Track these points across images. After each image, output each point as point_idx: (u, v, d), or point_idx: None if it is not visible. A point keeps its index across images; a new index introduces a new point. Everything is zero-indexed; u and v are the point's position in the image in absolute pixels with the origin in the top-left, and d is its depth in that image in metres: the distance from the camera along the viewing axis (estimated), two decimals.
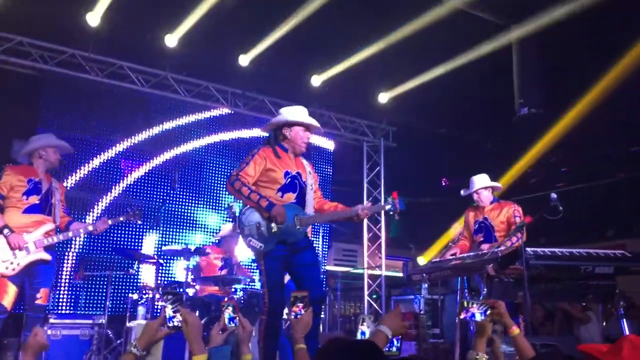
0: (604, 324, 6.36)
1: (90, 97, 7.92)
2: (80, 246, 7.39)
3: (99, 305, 7.12)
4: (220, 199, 8.68)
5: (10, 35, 7.27)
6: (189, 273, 6.47)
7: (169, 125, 8.49)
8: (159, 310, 4.30)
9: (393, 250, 10.49)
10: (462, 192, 5.76)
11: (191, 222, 8.37)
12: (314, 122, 4.39)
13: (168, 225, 8.11)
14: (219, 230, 7.43)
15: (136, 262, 6.60)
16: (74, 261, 7.30)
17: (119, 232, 7.65)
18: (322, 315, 8.45)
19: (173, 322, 2.39)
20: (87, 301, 7.19)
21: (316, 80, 9.00)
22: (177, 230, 8.22)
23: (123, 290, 7.36)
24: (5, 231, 4.49)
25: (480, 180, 5.60)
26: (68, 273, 7.23)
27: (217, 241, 7.18)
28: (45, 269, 4.67)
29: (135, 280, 7.46)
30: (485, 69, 8.18)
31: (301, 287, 4.08)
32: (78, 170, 7.62)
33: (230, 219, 5.69)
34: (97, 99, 7.97)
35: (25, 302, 4.73)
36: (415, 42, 7.74)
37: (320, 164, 9.23)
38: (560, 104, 8.36)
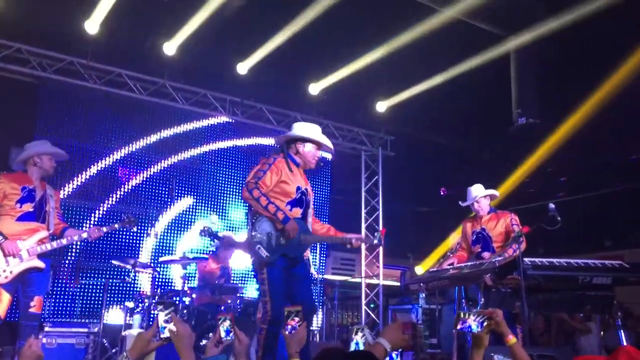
0: (602, 334, 6.32)
1: (89, 105, 7.92)
2: (77, 254, 7.36)
3: (94, 314, 7.09)
4: (218, 206, 8.67)
5: (9, 43, 7.28)
6: (186, 281, 6.44)
7: (166, 133, 8.49)
8: (153, 320, 4.28)
9: (391, 260, 10.47)
10: (461, 203, 5.75)
11: (188, 229, 8.35)
12: (327, 142, 4.47)
13: (165, 233, 8.09)
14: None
15: (132, 270, 6.56)
16: (70, 269, 7.27)
17: (116, 239, 7.62)
18: (318, 326, 8.44)
19: (165, 333, 2.36)
20: (83, 309, 7.15)
21: (314, 89, 9.00)
22: (174, 237, 8.20)
23: (119, 299, 7.33)
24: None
25: (478, 190, 5.62)
26: (64, 281, 7.19)
27: (213, 251, 7.16)
28: (39, 277, 4.63)
29: (132, 289, 7.42)
30: (483, 78, 8.19)
31: (294, 299, 4.12)
32: (75, 178, 7.61)
33: (206, 235, 5.70)
34: (95, 106, 7.97)
35: (20, 310, 4.69)
36: (413, 52, 7.76)
37: (318, 172, 9.21)
38: (558, 114, 8.36)
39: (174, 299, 6.47)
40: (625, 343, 4.39)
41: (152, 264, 7.20)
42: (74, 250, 7.29)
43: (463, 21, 7.47)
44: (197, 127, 8.78)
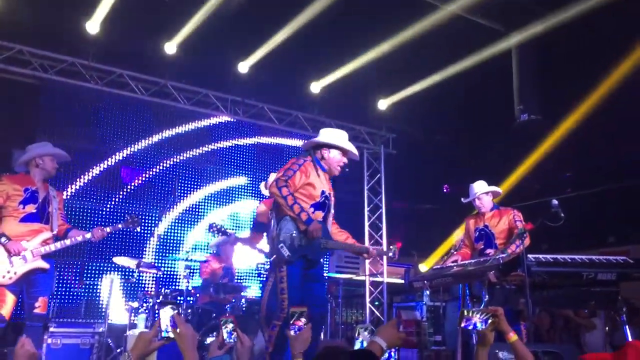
0: (607, 330, 6.31)
1: (90, 106, 7.94)
2: (81, 254, 7.37)
3: (99, 314, 7.10)
4: (222, 205, 8.69)
5: (10, 44, 7.28)
6: (190, 281, 6.45)
7: (168, 133, 8.50)
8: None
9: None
10: (463, 199, 5.74)
11: (191, 229, 8.36)
12: (353, 149, 4.59)
13: (168, 233, 8.11)
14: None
15: (137, 270, 6.56)
16: (74, 269, 7.28)
17: (119, 239, 7.63)
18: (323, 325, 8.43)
19: (167, 332, 2.36)
20: (88, 309, 7.16)
21: (316, 88, 8.99)
22: (178, 237, 8.21)
23: (124, 299, 7.34)
24: (3, 239, 4.47)
25: (480, 186, 5.61)
26: (68, 281, 7.21)
27: (214, 251, 7.16)
28: (43, 278, 4.65)
29: (136, 288, 7.43)
30: (484, 75, 8.17)
31: (305, 301, 4.17)
32: (78, 179, 7.62)
33: (215, 232, 5.73)
34: (97, 107, 7.98)
35: (24, 311, 4.70)
36: (414, 49, 7.74)
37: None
38: (560, 110, 8.34)
39: (178, 298, 6.48)
40: (630, 338, 4.38)
41: (156, 264, 7.20)
42: (78, 250, 7.30)
43: (464, 17, 7.45)
44: (199, 126, 8.79)
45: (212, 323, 5.89)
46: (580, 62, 7.86)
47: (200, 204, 8.56)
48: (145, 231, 7.82)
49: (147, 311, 6.10)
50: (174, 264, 7.80)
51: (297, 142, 9.56)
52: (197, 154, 8.71)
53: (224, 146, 9.01)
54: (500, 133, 9.15)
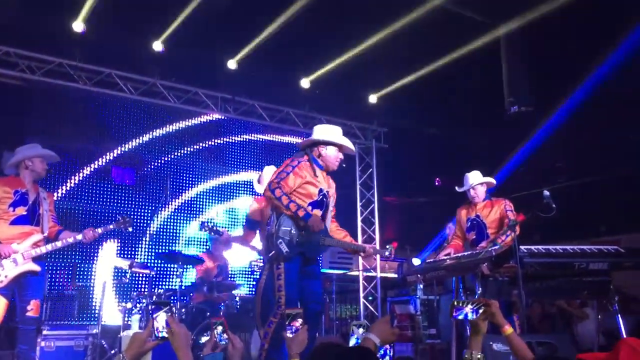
0: (600, 318, 6.35)
1: (79, 106, 7.89)
2: (72, 256, 7.34)
3: (92, 315, 7.08)
4: (213, 203, 8.67)
5: None
6: (183, 280, 6.44)
7: (159, 132, 8.47)
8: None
9: None
10: (457, 188, 5.76)
11: (183, 228, 8.34)
12: (349, 143, 4.61)
13: (160, 233, 8.08)
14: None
15: (129, 270, 6.54)
16: (66, 271, 7.25)
17: (111, 240, 7.60)
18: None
19: (161, 332, 2.36)
20: (81, 311, 7.13)
21: (305, 83, 8.97)
22: (170, 237, 8.19)
23: (117, 299, 7.31)
24: None
25: (475, 177, 5.64)
26: (61, 283, 7.17)
27: (207, 249, 7.15)
28: (35, 281, 4.62)
29: (129, 289, 7.40)
30: (474, 67, 8.18)
31: (302, 298, 4.25)
32: (69, 180, 7.58)
33: (207, 230, 5.74)
34: (86, 107, 7.94)
35: (17, 314, 4.67)
36: (403, 42, 7.74)
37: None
38: (551, 101, 8.36)
39: (172, 298, 6.47)
40: (622, 328, 4.41)
41: (149, 264, 7.18)
42: (69, 252, 7.27)
43: (452, 9, 7.44)
44: (189, 125, 8.77)
45: (206, 322, 5.88)
46: (569, 51, 7.88)
47: (193, 202, 8.54)
48: (138, 231, 7.79)
49: (140, 312, 6.08)
50: (168, 264, 7.76)
51: (289, 139, 9.55)
52: (189, 153, 8.69)
53: (216, 144, 9.00)
54: (491, 125, 9.17)
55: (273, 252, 4.18)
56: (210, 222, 5.76)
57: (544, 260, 4.42)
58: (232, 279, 7.49)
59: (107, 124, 8.08)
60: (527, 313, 5.44)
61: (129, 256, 7.57)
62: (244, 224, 5.77)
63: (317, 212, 4.32)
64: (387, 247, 4.80)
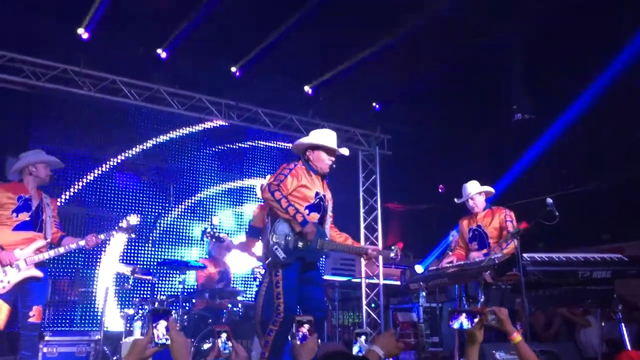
0: (603, 327, 6.32)
1: (83, 112, 7.91)
2: (75, 262, 7.35)
3: (94, 321, 7.07)
4: (215, 210, 8.67)
5: (1, 52, 7.25)
6: (185, 286, 6.43)
7: (162, 138, 8.49)
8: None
9: None
10: (456, 200, 5.74)
11: (186, 234, 8.35)
12: (333, 144, 4.49)
13: (163, 239, 8.09)
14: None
15: (132, 276, 6.54)
16: (68, 277, 7.26)
17: (114, 246, 7.61)
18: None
19: (161, 339, 2.35)
20: (83, 317, 7.13)
21: (309, 90, 8.99)
22: (172, 243, 8.19)
23: (119, 306, 7.31)
24: None
25: (473, 186, 5.62)
26: (63, 289, 7.18)
27: (208, 255, 7.15)
28: (37, 286, 4.62)
29: (132, 295, 7.40)
30: (478, 74, 8.19)
31: (305, 304, 4.20)
32: (72, 186, 7.60)
33: (209, 237, 5.74)
34: (90, 113, 7.95)
35: (19, 320, 4.67)
36: (406, 49, 7.75)
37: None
38: (554, 108, 8.36)
39: (174, 304, 6.47)
40: (626, 336, 4.39)
41: (151, 270, 7.17)
42: (72, 258, 7.27)
43: (456, 17, 7.45)
44: (192, 131, 8.78)
45: (208, 329, 5.87)
46: (572, 58, 7.88)
47: (196, 208, 8.54)
48: (141, 237, 7.79)
49: (143, 318, 6.07)
50: (170, 271, 7.76)
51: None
52: (192, 159, 8.70)
53: (219, 150, 9.01)
54: (495, 132, 9.17)
55: (270, 258, 4.12)
56: (212, 229, 5.76)
57: (547, 268, 4.40)
58: (234, 286, 7.48)
59: (111, 130, 8.10)
60: (530, 321, 5.42)
61: (132, 262, 7.57)
62: (247, 231, 5.77)
63: (315, 216, 4.29)
64: (393, 247, 4.65)
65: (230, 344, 2.63)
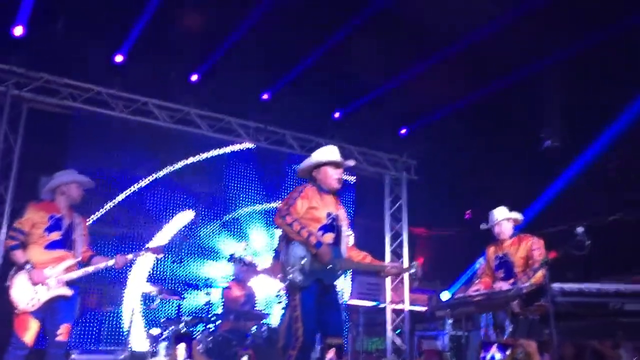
0: None
1: (116, 133, 8.09)
2: (103, 281, 7.44)
3: (121, 340, 7.12)
4: (244, 232, 8.72)
5: (39, 74, 7.47)
6: (211, 308, 6.46)
7: (192, 159, 8.60)
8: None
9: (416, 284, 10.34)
10: (482, 226, 5.64)
11: (213, 256, 8.40)
12: (335, 156, 4.38)
13: (190, 260, 8.16)
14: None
15: (158, 296, 6.60)
16: (96, 296, 7.35)
17: (142, 266, 7.70)
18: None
19: None
20: (109, 336, 7.20)
21: (337, 114, 9.05)
22: (200, 264, 8.25)
23: (145, 325, 7.36)
24: (27, 267, 4.54)
25: (500, 213, 5.51)
26: (91, 308, 7.27)
27: (234, 277, 7.18)
28: (66, 305, 4.68)
29: (158, 315, 7.46)
30: (509, 100, 8.14)
31: (323, 330, 4.08)
32: (103, 205, 7.73)
33: (236, 262, 5.76)
34: (122, 135, 8.12)
35: (47, 338, 4.73)
36: (436, 75, 7.76)
37: (341, 197, 9.21)
38: (585, 136, 8.25)
39: (199, 324, 6.49)
40: None
41: (177, 290, 7.22)
42: (100, 277, 7.37)
43: (486, 46, 7.44)
44: (220, 153, 8.89)
45: (232, 351, 5.87)
46: (603, 87, 7.80)
47: (223, 230, 8.61)
48: (167, 258, 7.88)
49: (168, 339, 6.10)
50: (196, 291, 7.81)
51: None
52: (220, 181, 8.80)
53: (248, 172, 9.09)
54: (525, 159, 9.07)
55: (287, 282, 4.05)
56: (239, 255, 5.78)
57: (576, 299, 4.30)
58: (260, 309, 7.48)
59: (142, 151, 8.25)
60: (558, 353, 5.29)
61: (159, 282, 7.64)
62: (274, 255, 5.78)
63: (330, 236, 4.20)
64: (413, 264, 4.54)
65: None
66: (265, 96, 8.56)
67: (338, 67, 7.90)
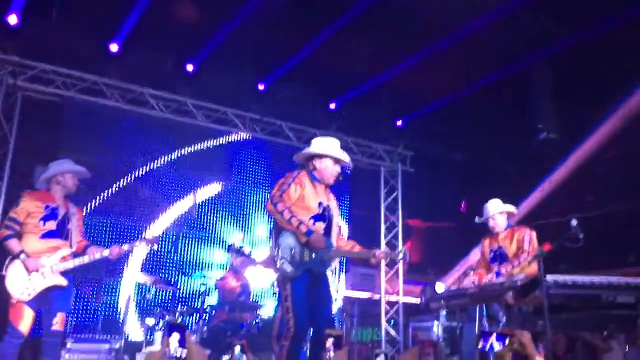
0: (626, 351, 6.20)
1: (111, 123, 8.05)
2: (98, 270, 7.44)
3: (116, 330, 7.14)
4: (241, 223, 8.74)
5: (34, 63, 7.43)
6: (207, 298, 6.48)
7: (188, 150, 8.59)
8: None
9: (411, 275, 10.39)
10: (476, 219, 5.67)
11: (211, 246, 8.42)
12: (344, 156, 4.40)
13: (186, 250, 8.17)
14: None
15: (154, 286, 6.61)
16: (91, 285, 7.36)
17: (137, 256, 7.70)
18: None
19: (175, 352, 2.38)
20: (105, 325, 7.21)
21: (333, 106, 9.04)
22: (195, 254, 8.27)
23: (140, 315, 7.38)
24: (22, 256, 4.53)
25: (494, 206, 5.53)
26: (86, 297, 7.28)
27: (230, 267, 7.20)
28: (61, 294, 4.69)
29: (153, 305, 7.47)
30: (503, 93, 8.16)
31: (313, 321, 4.05)
32: (98, 195, 7.72)
33: (234, 252, 5.76)
34: (117, 124, 8.10)
35: (42, 327, 4.74)
36: (432, 68, 7.76)
37: (337, 188, 9.22)
38: (579, 129, 8.28)
39: (194, 315, 6.51)
40: None
41: (173, 281, 7.24)
42: (95, 266, 7.37)
43: (482, 38, 7.45)
44: (217, 144, 8.88)
45: (227, 341, 5.89)
46: (600, 81, 7.82)
47: (219, 221, 8.61)
48: (163, 248, 7.88)
49: (163, 329, 6.12)
50: (191, 281, 7.84)
51: None
52: (217, 171, 8.79)
53: (244, 164, 9.09)
54: (519, 151, 9.10)
55: (278, 273, 4.03)
56: (237, 245, 5.79)
57: (570, 291, 4.32)
58: (255, 300, 7.51)
59: (138, 141, 8.23)
60: (551, 345, 5.33)
61: (154, 272, 7.65)
62: (270, 246, 5.77)
63: (320, 226, 4.17)
64: (400, 249, 4.58)
65: (245, 357, 2.65)
66: (261, 87, 8.54)
67: (334, 58, 7.90)
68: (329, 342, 2.64)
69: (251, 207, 9.00)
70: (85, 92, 7.74)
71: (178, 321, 6.04)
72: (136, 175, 8.11)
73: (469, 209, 10.42)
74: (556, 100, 7.88)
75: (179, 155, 8.50)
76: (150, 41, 7.54)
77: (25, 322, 4.55)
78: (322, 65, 8.01)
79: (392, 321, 9.32)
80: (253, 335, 6.15)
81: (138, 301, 7.38)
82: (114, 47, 7.47)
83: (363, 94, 8.63)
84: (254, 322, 6.38)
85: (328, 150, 4.35)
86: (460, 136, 9.78)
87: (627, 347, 6.01)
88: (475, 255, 6.70)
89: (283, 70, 8.17)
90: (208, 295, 6.70)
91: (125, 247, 4.99)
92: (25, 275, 4.55)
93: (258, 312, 6.63)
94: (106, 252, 4.89)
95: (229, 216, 8.74)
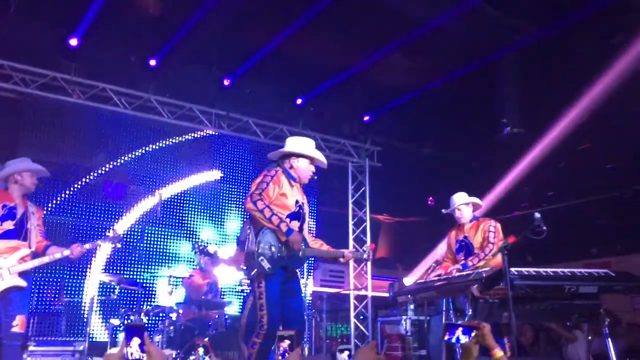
0: (590, 341, 6.33)
1: (73, 120, 7.87)
2: (60, 271, 7.28)
3: (79, 332, 6.99)
4: (210, 220, 8.65)
5: None
6: (172, 294, 6.39)
7: (152, 147, 8.46)
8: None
9: (379, 270, 10.44)
10: (443, 210, 5.75)
11: (174, 244, 8.30)
12: (321, 157, 4.50)
13: (151, 248, 8.04)
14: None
15: (118, 286, 6.49)
16: (53, 286, 7.19)
17: (101, 255, 7.55)
18: (306, 340, 8.38)
19: (134, 355, 2.31)
20: (68, 327, 7.05)
21: (300, 101, 9.00)
22: (160, 253, 8.14)
23: (104, 316, 7.24)
24: None
25: (460, 197, 5.62)
26: (48, 299, 7.11)
27: (198, 266, 7.12)
28: (20, 296, 4.55)
29: (117, 305, 7.34)
30: (469, 88, 8.23)
31: (284, 317, 4.11)
32: (59, 194, 7.54)
33: (200, 252, 5.71)
34: (79, 121, 7.92)
35: (2, 330, 4.60)
36: (398, 62, 7.78)
37: (304, 185, 9.19)
38: (543, 123, 8.41)
39: (160, 314, 6.42)
40: (612, 351, 4.40)
41: (137, 280, 7.12)
42: (57, 267, 7.20)
43: (448, 32, 7.49)
44: (182, 140, 8.76)
45: (194, 340, 5.81)
46: (562, 75, 7.95)
47: (185, 219, 8.50)
48: (128, 247, 7.75)
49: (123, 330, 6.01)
50: (156, 280, 7.72)
51: None
52: (181, 169, 8.67)
53: (209, 160, 8.99)
54: (485, 145, 9.21)
55: (255, 270, 4.05)
56: (202, 244, 5.73)
57: (534, 282, 4.39)
58: (222, 297, 7.44)
59: (100, 139, 8.07)
60: (517, 336, 5.40)
61: (119, 272, 7.51)
62: (237, 244, 5.73)
63: (296, 224, 4.23)
64: (364, 248, 4.68)
65: (208, 358, 2.61)
66: (226, 82, 8.44)
67: (300, 53, 7.85)
68: (284, 343, 2.62)
69: (221, 203, 8.91)
70: (45, 89, 7.53)
71: (144, 320, 5.95)
72: (99, 173, 7.95)
73: (436, 203, 10.50)
74: (521, 95, 7.98)
75: (144, 151, 8.36)
76: (111, 35, 7.37)
77: None
78: (288, 60, 7.95)
79: (362, 316, 9.35)
80: (220, 334, 6.09)
81: (102, 302, 7.23)
82: (73, 42, 7.27)
83: (330, 89, 8.61)
84: (221, 320, 6.32)
85: (305, 149, 4.43)
86: (427, 130, 9.84)
87: (590, 336, 6.12)
88: (442, 249, 6.74)
89: (249, 65, 8.08)
90: (173, 292, 6.60)
91: (87, 246, 4.88)
92: None
93: (225, 310, 6.57)
94: (67, 252, 4.77)
95: (196, 213, 8.63)
